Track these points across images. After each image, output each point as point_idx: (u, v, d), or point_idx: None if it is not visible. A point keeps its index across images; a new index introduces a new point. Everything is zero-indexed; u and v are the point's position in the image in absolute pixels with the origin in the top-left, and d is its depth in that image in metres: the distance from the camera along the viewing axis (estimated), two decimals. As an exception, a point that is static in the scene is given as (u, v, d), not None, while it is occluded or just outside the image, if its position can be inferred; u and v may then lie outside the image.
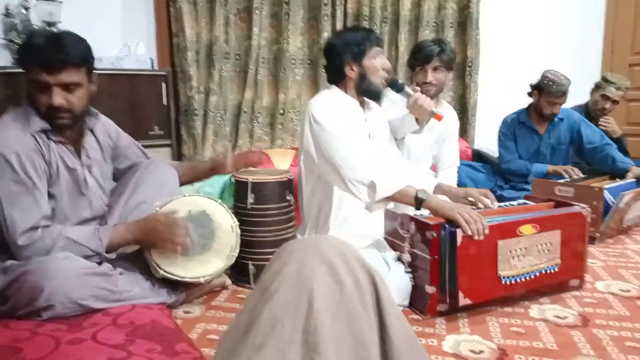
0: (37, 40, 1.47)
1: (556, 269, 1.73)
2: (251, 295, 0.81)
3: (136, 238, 1.58)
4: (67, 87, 1.50)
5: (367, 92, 1.95)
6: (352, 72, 1.91)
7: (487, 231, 1.56)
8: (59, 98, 1.48)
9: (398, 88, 2.04)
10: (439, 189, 2.02)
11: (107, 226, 1.60)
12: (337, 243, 0.82)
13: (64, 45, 1.47)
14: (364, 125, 1.97)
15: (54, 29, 2.29)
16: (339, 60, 1.90)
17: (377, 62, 1.91)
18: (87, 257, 1.49)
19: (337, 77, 1.95)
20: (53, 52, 1.45)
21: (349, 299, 0.74)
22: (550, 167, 2.84)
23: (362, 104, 1.99)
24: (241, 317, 0.78)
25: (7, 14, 2.34)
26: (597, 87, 3.16)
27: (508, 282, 1.63)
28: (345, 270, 0.76)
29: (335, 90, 1.96)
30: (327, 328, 0.69)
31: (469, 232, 1.54)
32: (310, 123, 1.83)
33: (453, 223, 1.57)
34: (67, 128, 1.57)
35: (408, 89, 2.05)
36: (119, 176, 1.82)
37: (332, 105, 1.88)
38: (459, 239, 1.54)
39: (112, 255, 1.57)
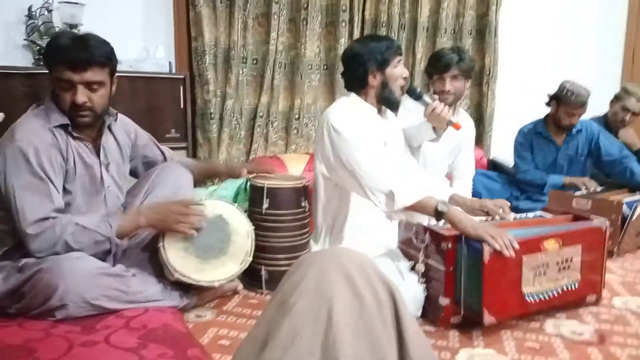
0: (63, 41, 1.52)
1: (576, 286, 1.68)
2: (268, 307, 0.80)
3: (148, 220, 1.58)
4: (91, 86, 1.54)
5: (386, 100, 1.94)
6: (374, 80, 1.90)
7: (516, 245, 1.50)
8: (82, 96, 1.53)
9: (416, 96, 2.03)
10: (452, 201, 1.99)
11: (116, 212, 1.61)
12: (356, 256, 0.81)
13: (90, 45, 1.52)
14: (381, 133, 1.96)
15: (76, 31, 2.32)
16: (362, 68, 1.89)
17: (397, 70, 1.91)
18: (97, 243, 1.50)
19: (357, 85, 1.94)
20: (79, 51, 1.50)
21: (369, 314, 0.73)
22: (567, 179, 2.79)
23: (379, 112, 1.98)
24: (258, 329, 0.77)
25: (30, 16, 2.37)
26: (617, 98, 3.11)
27: (531, 300, 1.58)
28: (365, 285, 0.75)
29: (353, 98, 1.95)
30: (347, 343, 0.69)
31: (497, 247, 1.48)
32: (329, 131, 1.83)
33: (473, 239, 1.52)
34: (87, 126, 1.61)
35: (426, 97, 2.03)
36: (137, 173, 1.85)
37: (350, 113, 1.87)
38: (486, 256, 1.48)
39: (124, 242, 1.57)
